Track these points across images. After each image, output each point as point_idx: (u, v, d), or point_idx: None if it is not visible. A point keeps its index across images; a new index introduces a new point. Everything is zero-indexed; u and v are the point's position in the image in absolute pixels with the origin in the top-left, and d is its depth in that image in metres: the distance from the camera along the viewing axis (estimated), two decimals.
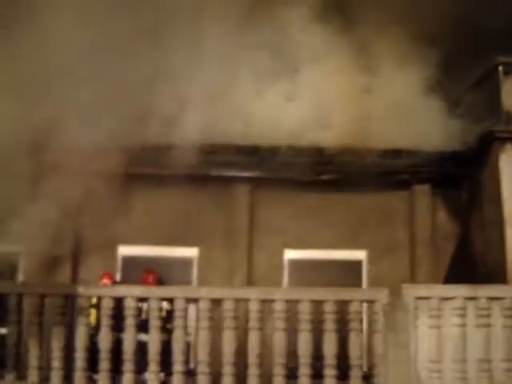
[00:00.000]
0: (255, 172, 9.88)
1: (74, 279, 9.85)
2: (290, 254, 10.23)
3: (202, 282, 9.94)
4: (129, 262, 10.27)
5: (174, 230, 10.10)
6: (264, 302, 7.43)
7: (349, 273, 10.21)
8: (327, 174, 9.88)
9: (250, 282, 9.85)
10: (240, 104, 9.56)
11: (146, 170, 9.69)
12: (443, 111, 9.92)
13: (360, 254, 10.30)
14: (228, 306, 7.42)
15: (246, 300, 7.47)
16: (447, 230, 10.29)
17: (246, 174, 9.94)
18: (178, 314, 7.51)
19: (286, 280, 10.17)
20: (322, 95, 9.86)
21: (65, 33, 9.04)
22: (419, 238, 10.13)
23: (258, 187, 10.14)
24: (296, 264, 10.21)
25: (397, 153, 9.83)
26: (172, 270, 10.06)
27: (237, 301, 7.46)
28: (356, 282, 10.17)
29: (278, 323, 7.37)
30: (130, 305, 7.56)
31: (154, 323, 7.51)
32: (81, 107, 9.03)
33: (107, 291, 7.89)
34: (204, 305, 7.44)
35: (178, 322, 7.52)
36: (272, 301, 7.41)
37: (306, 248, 10.17)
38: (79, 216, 9.69)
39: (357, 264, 10.30)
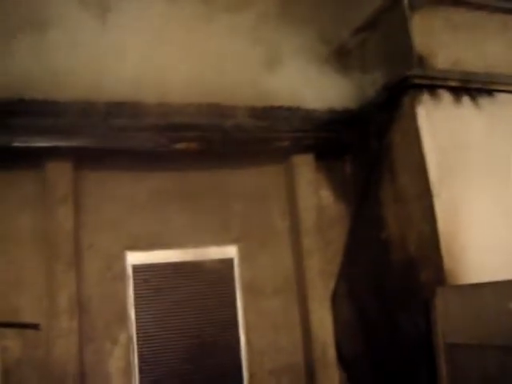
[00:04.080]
0: (81, 141, 6.67)
1: None
2: (135, 258, 7.27)
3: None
4: None
5: None
6: None
7: (218, 275, 7.60)
8: (183, 141, 7.12)
9: (80, 303, 6.84)
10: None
11: None
12: (327, 60, 7.76)
13: (229, 251, 7.71)
14: None
15: None
16: (336, 213, 8.16)
17: (66, 143, 6.62)
18: None
19: (131, 293, 7.20)
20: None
21: None
22: (304, 224, 7.84)
23: (85, 164, 7.01)
24: (144, 271, 7.29)
25: (270, 111, 7.39)
26: None
27: None
28: (228, 286, 7.63)
29: None
30: None
31: None
32: None
33: None
34: None
35: None
36: None
37: (156, 248, 7.32)
38: None
39: (227, 263, 7.69)
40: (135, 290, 7.24)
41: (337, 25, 8.01)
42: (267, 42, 7.47)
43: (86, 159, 6.98)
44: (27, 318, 6.62)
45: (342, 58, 8.10)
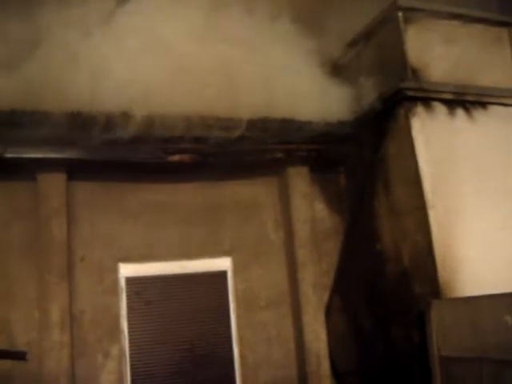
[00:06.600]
0: (74, 153, 6.64)
1: None
2: (128, 270, 7.23)
3: None
4: None
5: None
6: None
7: (211, 287, 7.56)
8: (177, 153, 7.06)
9: (72, 315, 6.73)
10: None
11: None
12: (322, 71, 7.74)
13: (223, 263, 7.68)
14: None
15: None
16: (331, 225, 8.13)
17: (59, 155, 6.59)
18: None
19: (123, 306, 7.15)
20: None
21: None
22: (298, 236, 7.77)
23: (78, 175, 6.98)
24: (137, 283, 7.24)
25: (265, 123, 7.25)
26: None
27: None
28: (221, 298, 7.58)
29: None
30: None
31: None
32: None
33: None
34: None
35: None
36: None
37: (150, 260, 7.28)
38: None
39: (220, 276, 7.64)
40: (128, 302, 7.19)
41: (332, 37, 8.03)
42: (262, 55, 7.47)
43: (79, 171, 6.95)
44: (18, 330, 6.58)
45: (336, 70, 8.10)
